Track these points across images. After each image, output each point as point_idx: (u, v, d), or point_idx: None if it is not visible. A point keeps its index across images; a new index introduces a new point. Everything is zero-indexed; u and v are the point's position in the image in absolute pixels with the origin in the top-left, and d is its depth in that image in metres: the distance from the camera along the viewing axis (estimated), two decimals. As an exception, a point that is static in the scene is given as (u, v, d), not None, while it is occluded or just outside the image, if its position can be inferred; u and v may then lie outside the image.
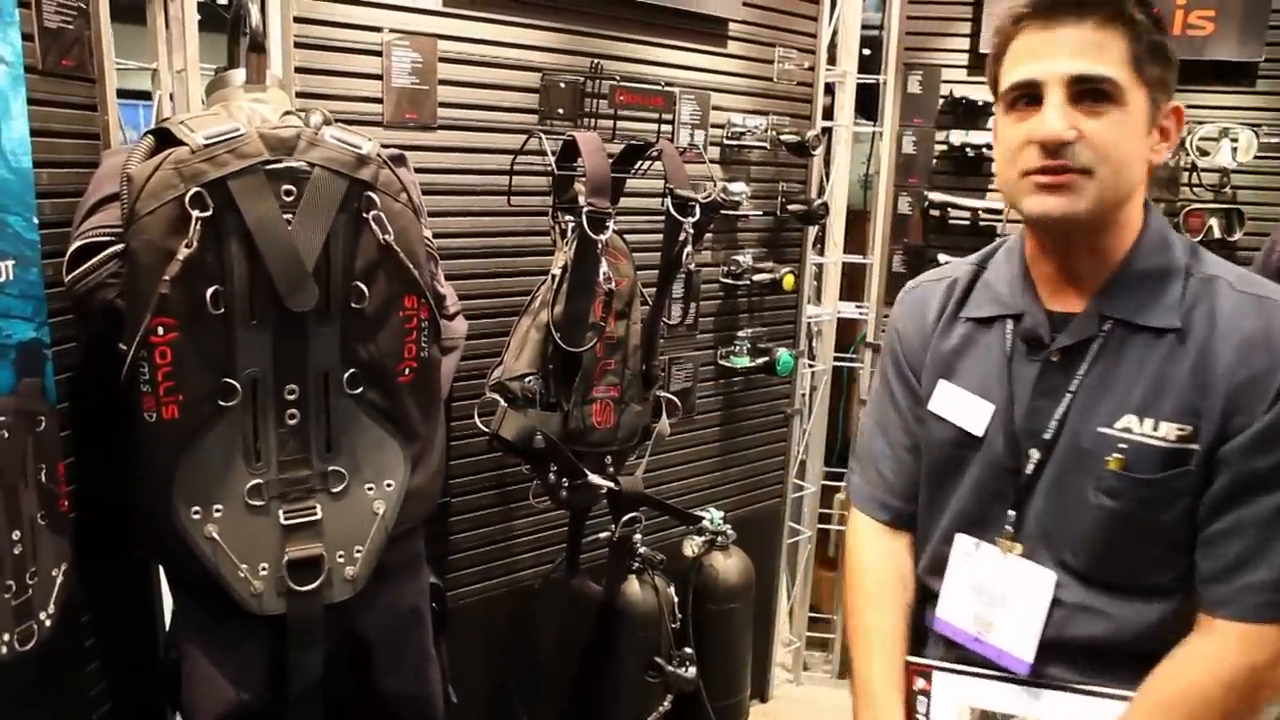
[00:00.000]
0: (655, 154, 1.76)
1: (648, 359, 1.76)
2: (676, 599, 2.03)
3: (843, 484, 2.49)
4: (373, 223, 1.15)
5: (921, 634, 1.17)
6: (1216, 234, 2.54)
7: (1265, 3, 2.49)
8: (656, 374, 1.79)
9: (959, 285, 1.16)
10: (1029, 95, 0.98)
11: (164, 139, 1.12)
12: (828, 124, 2.63)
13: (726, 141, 2.30)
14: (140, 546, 1.24)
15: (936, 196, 2.65)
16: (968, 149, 2.60)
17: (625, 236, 1.78)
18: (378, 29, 1.71)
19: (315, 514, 1.19)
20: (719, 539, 2.22)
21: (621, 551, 1.88)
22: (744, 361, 2.42)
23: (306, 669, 1.21)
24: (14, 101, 1.06)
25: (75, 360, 1.24)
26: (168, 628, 1.32)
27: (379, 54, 1.72)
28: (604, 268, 1.65)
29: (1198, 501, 0.99)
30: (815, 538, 2.89)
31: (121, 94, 1.44)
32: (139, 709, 1.39)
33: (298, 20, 1.63)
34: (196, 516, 1.13)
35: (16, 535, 1.05)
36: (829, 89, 2.63)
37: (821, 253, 2.74)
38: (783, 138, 2.38)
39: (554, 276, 1.65)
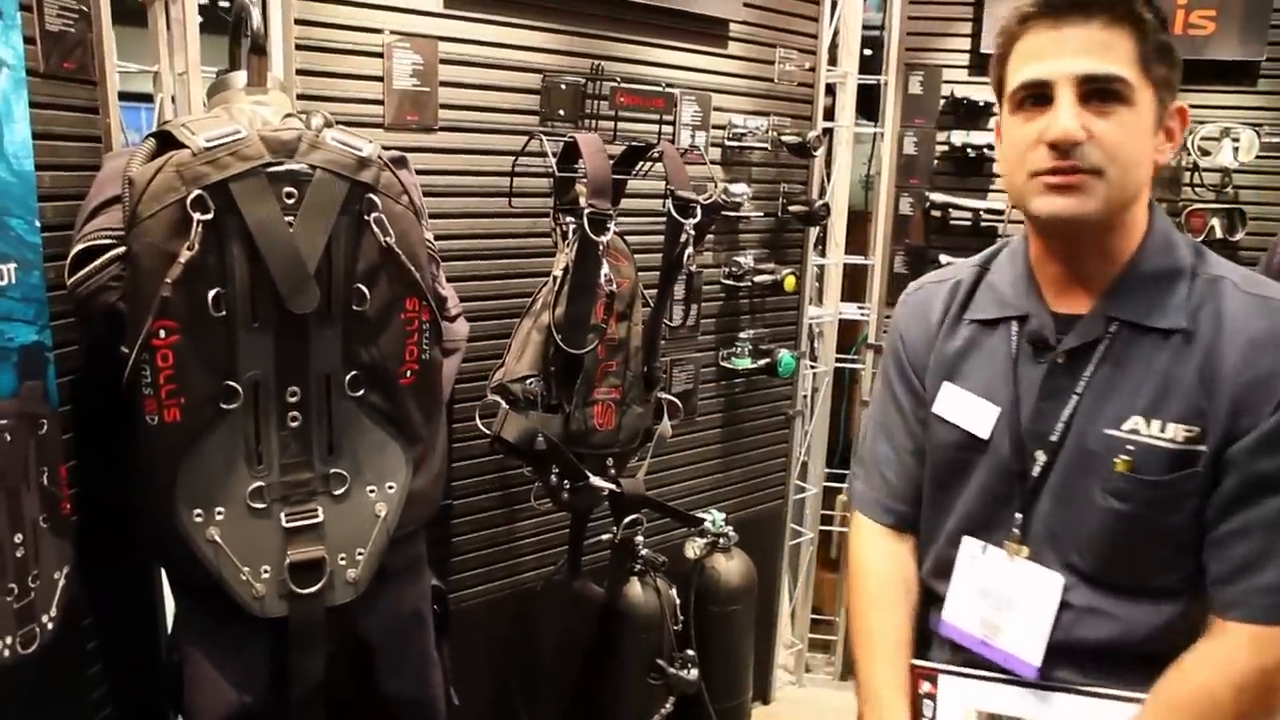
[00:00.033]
0: (656, 155, 1.76)
1: (649, 361, 1.76)
2: (678, 601, 2.03)
3: (844, 485, 2.50)
4: (374, 225, 1.15)
5: (925, 637, 1.16)
6: (1218, 234, 2.54)
7: (1266, 2, 2.49)
8: (658, 376, 1.79)
9: (962, 287, 1.15)
10: (1037, 95, 0.98)
11: (165, 142, 1.12)
12: (829, 125, 2.63)
13: (728, 142, 2.30)
14: (142, 549, 1.25)
15: (938, 197, 2.64)
16: (969, 149, 2.60)
17: (626, 238, 1.78)
18: (378, 31, 1.71)
19: (317, 517, 1.19)
20: (721, 541, 2.21)
21: (623, 553, 1.88)
22: (745, 363, 2.42)
23: (308, 672, 1.21)
24: (16, 104, 1.06)
25: (77, 363, 1.24)
26: (170, 631, 1.32)
27: (380, 56, 1.72)
28: (605, 269, 1.65)
29: (1205, 503, 0.99)
30: (817, 539, 2.89)
31: (123, 96, 1.44)
32: (141, 712, 1.39)
33: (298, 22, 1.63)
34: (198, 519, 1.13)
35: (18, 538, 1.05)
36: (830, 90, 2.63)
37: (823, 254, 2.73)
38: (784, 139, 2.38)
39: (555, 278, 1.65)
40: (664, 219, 1.69)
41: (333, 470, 1.20)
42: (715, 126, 2.26)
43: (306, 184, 1.11)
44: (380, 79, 1.73)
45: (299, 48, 1.63)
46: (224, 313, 1.09)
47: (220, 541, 1.14)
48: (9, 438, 1.04)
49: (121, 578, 1.37)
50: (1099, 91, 0.95)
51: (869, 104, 2.76)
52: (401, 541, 1.28)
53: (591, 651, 1.98)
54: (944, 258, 2.59)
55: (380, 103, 1.73)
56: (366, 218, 1.15)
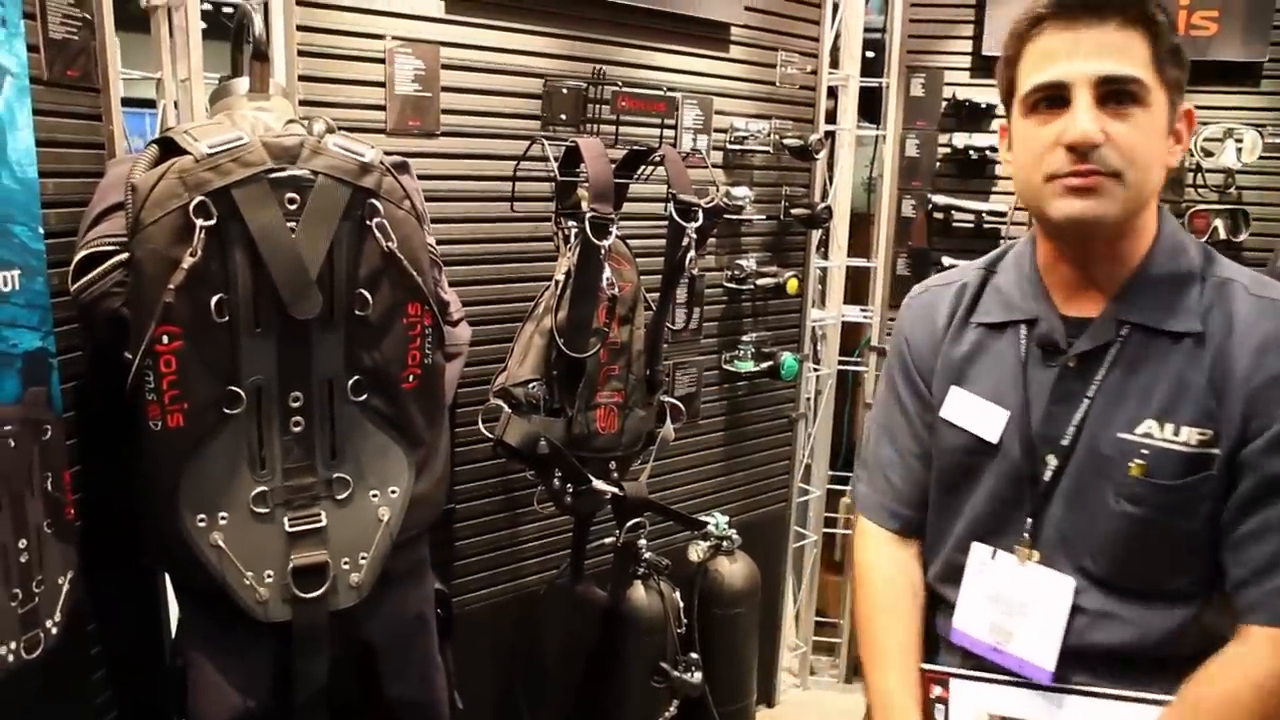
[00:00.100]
0: (658, 159, 1.76)
1: (651, 364, 1.76)
2: (682, 604, 2.03)
3: (848, 488, 2.49)
4: (376, 230, 1.16)
5: (931, 642, 1.16)
6: (1222, 235, 2.53)
7: (1269, 3, 2.49)
8: (660, 379, 1.79)
9: (968, 290, 1.14)
10: (1052, 97, 0.97)
11: (168, 148, 1.13)
12: (831, 127, 2.63)
13: (729, 146, 2.30)
14: (146, 554, 1.25)
15: (940, 199, 2.64)
16: (971, 151, 2.59)
17: (629, 242, 1.78)
18: (380, 37, 1.72)
19: (320, 521, 1.19)
20: (724, 544, 2.21)
21: (626, 557, 1.88)
22: (748, 366, 2.42)
23: (312, 676, 1.22)
24: (20, 112, 1.06)
25: (81, 369, 1.25)
26: (173, 635, 1.32)
27: (382, 61, 1.73)
28: (607, 273, 1.66)
29: (1220, 506, 0.98)
30: (821, 542, 2.89)
31: (127, 102, 1.45)
32: (145, 716, 1.39)
33: (301, 29, 1.63)
34: (202, 524, 1.13)
35: (23, 543, 1.05)
36: (832, 92, 2.63)
37: (825, 256, 2.73)
38: (786, 141, 2.38)
39: (557, 282, 1.66)
40: (666, 222, 1.69)
41: (335, 475, 1.20)
42: (717, 130, 2.26)
43: (309, 190, 1.12)
44: (382, 84, 1.73)
45: (301, 54, 1.64)
46: (227, 318, 1.10)
47: (224, 546, 1.14)
48: (13, 443, 1.04)
49: (125, 583, 1.37)
50: (1115, 93, 0.94)
51: (871, 106, 2.76)
52: (404, 545, 1.28)
53: (595, 655, 1.98)
54: (947, 260, 2.59)
55: (382, 108, 1.74)
56: (369, 223, 1.15)
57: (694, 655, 2.00)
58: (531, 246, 1.95)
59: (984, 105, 2.59)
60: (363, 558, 1.22)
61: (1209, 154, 2.51)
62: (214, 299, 1.09)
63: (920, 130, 2.68)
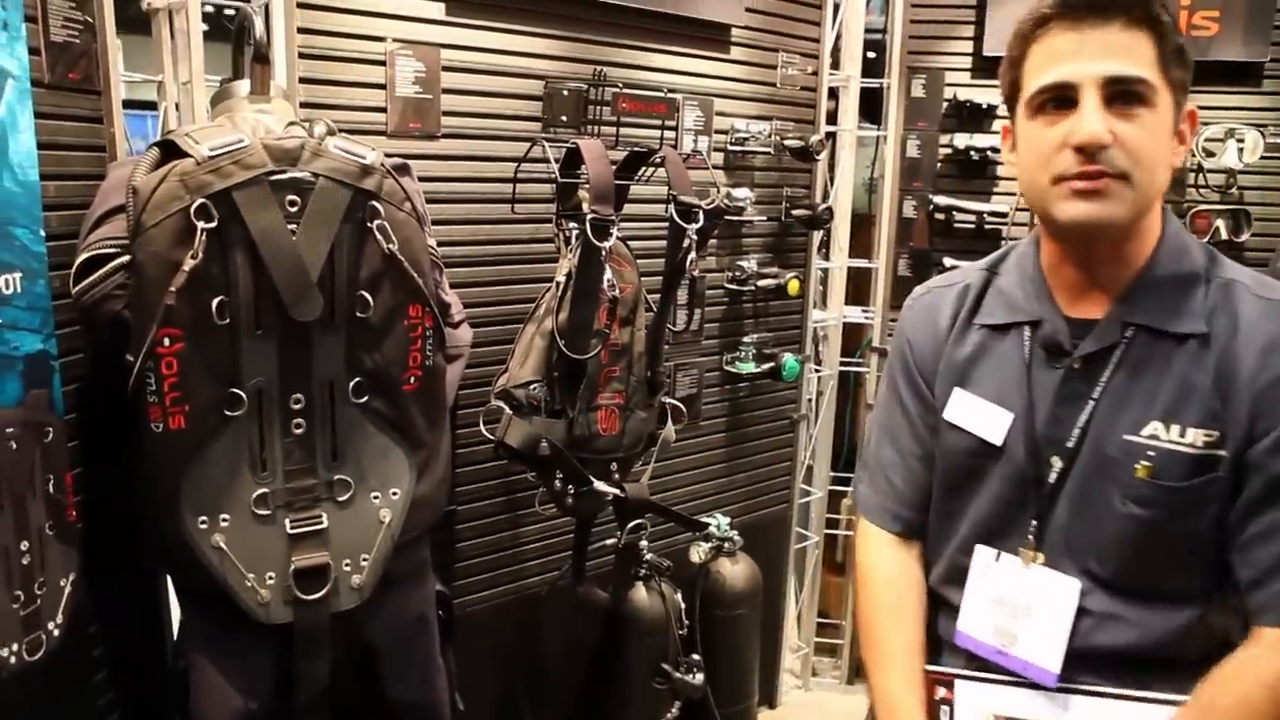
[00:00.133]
0: (658, 160, 1.76)
1: (652, 365, 1.76)
2: (683, 605, 2.03)
3: (850, 489, 2.49)
4: (377, 232, 1.16)
5: (933, 643, 1.15)
6: (1223, 235, 2.53)
7: (1270, 3, 2.49)
8: (661, 380, 1.79)
9: (971, 291, 1.14)
10: (1059, 98, 0.96)
11: (169, 151, 1.13)
12: (832, 128, 2.63)
13: (730, 147, 2.30)
14: (147, 556, 1.25)
15: (941, 200, 2.64)
16: (972, 152, 2.59)
17: (629, 243, 1.79)
18: (381, 39, 1.72)
19: (321, 523, 1.19)
20: (726, 545, 2.21)
21: (627, 558, 1.88)
22: (749, 367, 2.42)
23: (314, 677, 1.22)
24: (21, 115, 1.07)
25: (82, 371, 1.25)
26: (175, 637, 1.33)
27: (383, 64, 1.73)
28: (608, 275, 1.66)
29: (1227, 508, 0.98)
30: (823, 543, 2.89)
31: (130, 104, 1.45)
32: (147, 718, 1.39)
33: (302, 31, 1.64)
34: (203, 526, 1.14)
35: (25, 546, 1.05)
36: (833, 93, 2.63)
37: (827, 257, 2.73)
38: (786, 143, 2.38)
39: (558, 284, 1.66)
40: (667, 224, 1.70)
41: (337, 476, 1.20)
42: (718, 131, 2.26)
43: (309, 192, 1.12)
44: (383, 86, 1.73)
45: (302, 56, 1.64)
46: (228, 320, 1.10)
47: (225, 548, 1.14)
48: (15, 445, 1.04)
49: (127, 584, 1.38)
50: (1122, 94, 0.94)
51: (872, 107, 2.76)
52: (406, 547, 1.29)
53: (596, 656, 1.98)
54: (948, 260, 2.58)
55: (383, 110, 1.74)
56: (369, 225, 1.16)
57: (696, 656, 1.99)
58: (532, 248, 1.95)
59: (985, 106, 2.59)
60: (364, 559, 1.22)
61: (1210, 154, 2.51)
62: (215, 301, 1.09)
63: (921, 131, 2.68)
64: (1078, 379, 1.03)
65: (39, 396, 1.09)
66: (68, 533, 1.13)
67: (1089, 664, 1.02)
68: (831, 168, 2.68)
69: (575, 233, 1.66)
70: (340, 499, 1.21)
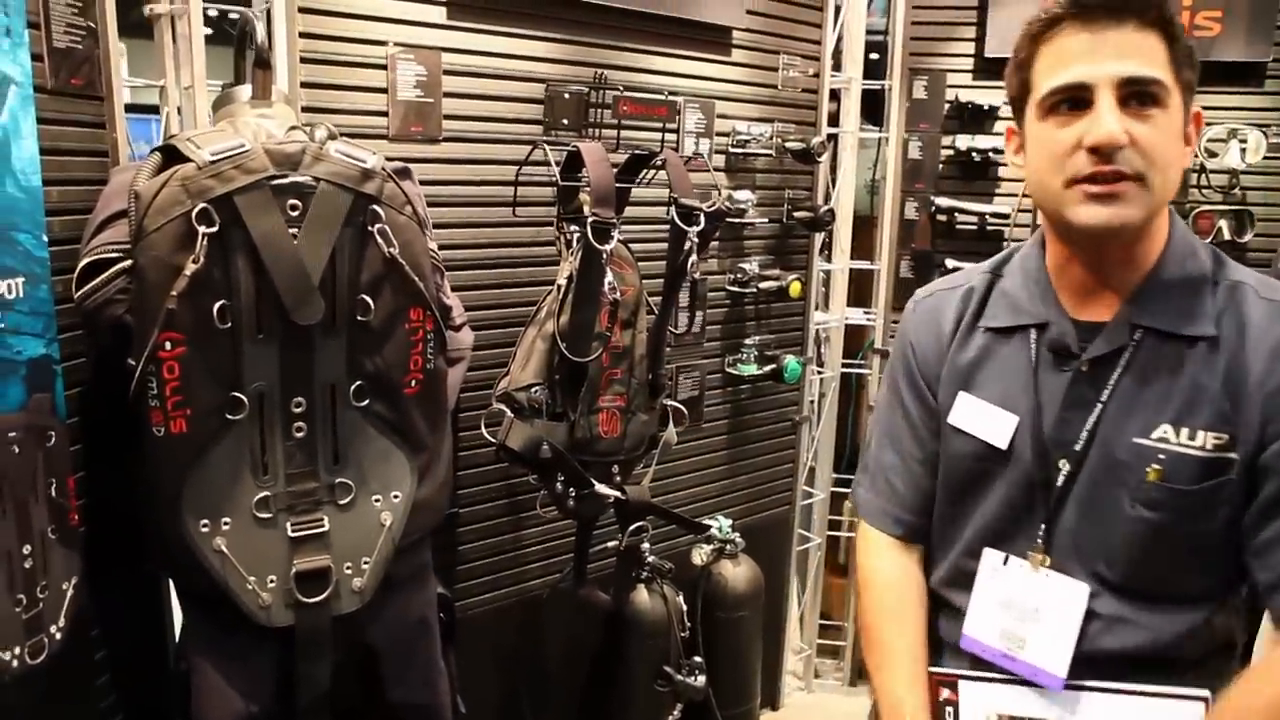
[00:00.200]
0: (659, 163, 1.76)
1: (654, 368, 1.76)
2: (685, 607, 2.03)
3: (850, 491, 2.49)
4: (378, 236, 1.16)
5: (934, 645, 1.15)
6: (1226, 235, 2.53)
7: (1272, 3, 2.48)
8: (663, 383, 1.79)
9: (975, 294, 1.13)
10: (1073, 99, 0.95)
11: (171, 156, 1.13)
12: (833, 130, 2.63)
13: (732, 149, 2.30)
14: (149, 559, 1.25)
15: (943, 202, 2.64)
16: (974, 154, 2.59)
17: (631, 246, 1.79)
18: (383, 43, 1.73)
19: (323, 526, 1.20)
20: (728, 547, 2.21)
21: (629, 561, 1.88)
22: (751, 369, 2.42)
23: (315, 680, 1.22)
24: (24, 121, 1.07)
25: (85, 375, 1.25)
26: (177, 640, 1.33)
27: (384, 68, 1.73)
28: (609, 277, 1.66)
29: (1239, 511, 0.98)
30: (825, 544, 2.88)
31: (134, 108, 1.45)
32: (150, 721, 1.40)
33: (303, 35, 1.64)
34: (205, 529, 1.14)
35: (27, 549, 1.06)
36: (834, 95, 2.63)
37: (828, 259, 2.73)
38: (788, 145, 2.38)
39: (559, 287, 1.66)
40: (668, 226, 1.70)
41: (338, 480, 1.21)
42: (719, 134, 2.27)
43: (310, 196, 1.12)
44: (384, 91, 1.74)
45: (304, 60, 1.65)
46: (229, 324, 1.10)
47: (226, 551, 1.15)
48: (17, 450, 1.05)
49: (129, 588, 1.38)
50: (1137, 95, 0.93)
51: (874, 109, 2.76)
52: (407, 550, 1.29)
53: (598, 659, 1.98)
54: (950, 262, 2.58)
55: (385, 114, 1.75)
56: (370, 229, 1.16)
57: (697, 659, 2.00)
58: (533, 251, 1.95)
59: (986, 107, 2.59)
60: (365, 562, 1.23)
61: (1213, 154, 2.50)
62: (216, 305, 1.09)
63: (923, 132, 2.68)
64: (1085, 382, 1.02)
65: (41, 401, 1.09)
66: (70, 536, 1.14)
67: (1095, 667, 1.02)
68: (833, 169, 2.68)
69: (576, 236, 1.67)
70: (341, 502, 1.21)
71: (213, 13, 1.62)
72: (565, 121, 1.97)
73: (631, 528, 1.79)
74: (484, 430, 1.63)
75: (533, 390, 1.63)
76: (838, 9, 2.55)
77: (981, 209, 2.61)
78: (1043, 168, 0.99)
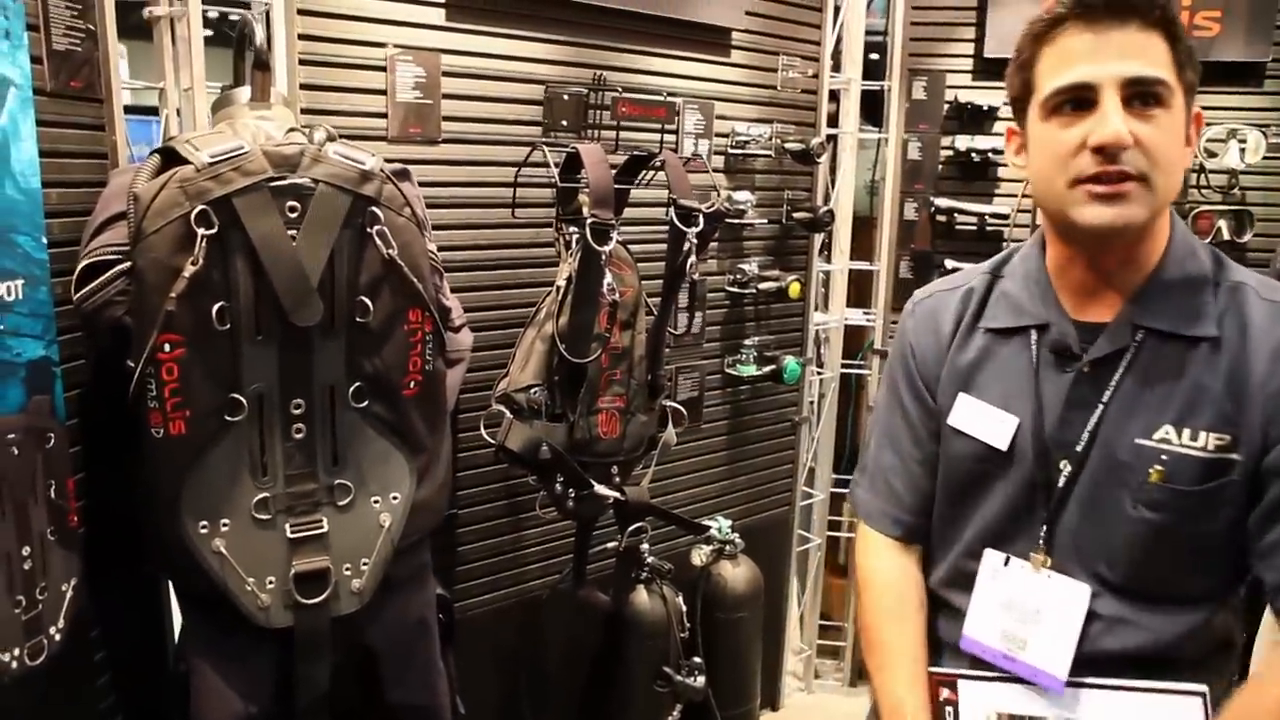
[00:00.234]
0: (658, 164, 1.76)
1: (653, 369, 1.76)
2: (685, 608, 2.03)
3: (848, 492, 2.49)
4: (376, 237, 1.16)
5: (933, 646, 1.15)
6: (1225, 235, 2.53)
7: (1272, 3, 2.48)
8: (662, 384, 1.79)
9: (975, 295, 1.13)
10: (1077, 99, 0.94)
11: (170, 158, 1.14)
12: (832, 131, 2.64)
13: (731, 150, 2.30)
14: (148, 561, 1.26)
15: (943, 202, 2.64)
16: (973, 154, 2.59)
17: (630, 247, 1.79)
18: (382, 45, 1.73)
19: (322, 527, 1.20)
20: (727, 548, 2.22)
21: (628, 561, 1.88)
22: (751, 370, 2.42)
23: (314, 681, 1.22)
24: (23, 124, 1.07)
25: (84, 377, 1.25)
26: (176, 641, 1.33)
27: (383, 69, 1.74)
28: (608, 278, 1.66)
29: (1242, 512, 0.98)
30: (825, 545, 2.88)
31: (136, 110, 1.46)
32: (149, 722, 1.40)
33: (302, 37, 1.64)
34: (204, 531, 1.14)
35: (26, 551, 1.06)
36: (833, 96, 2.63)
37: (828, 260, 2.73)
38: (787, 146, 2.38)
39: (559, 288, 1.66)
40: (667, 228, 1.70)
41: (337, 481, 1.21)
42: (719, 134, 2.27)
43: (309, 198, 1.12)
44: (384, 92, 1.74)
45: (303, 62, 1.65)
46: (228, 326, 1.11)
47: (225, 553, 1.15)
48: (17, 451, 1.05)
49: (129, 589, 1.38)
50: (1141, 95, 0.93)
51: (873, 110, 2.76)
52: (406, 551, 1.29)
53: (598, 660, 1.98)
54: (950, 263, 2.58)
55: (384, 116, 1.75)
56: (369, 230, 1.16)
57: (697, 659, 2.00)
58: (533, 252, 1.96)
59: (986, 108, 2.59)
60: (364, 563, 1.23)
61: (1212, 154, 2.50)
62: (215, 307, 1.09)
63: (922, 133, 2.68)
64: (1087, 383, 1.02)
65: (41, 402, 1.09)
66: (69, 538, 1.14)
67: (1095, 668, 1.02)
68: (833, 170, 2.68)
69: (575, 237, 1.67)
70: (340, 503, 1.21)
71: (213, 14, 1.62)
72: (564, 123, 1.97)
73: (631, 528, 1.79)
74: (483, 431, 1.63)
75: (532, 391, 1.63)
76: (837, 9, 2.55)
77: (981, 209, 2.61)
78: (1046, 168, 0.98)
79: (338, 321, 1.17)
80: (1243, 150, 2.47)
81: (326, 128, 1.21)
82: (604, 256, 1.59)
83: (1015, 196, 2.57)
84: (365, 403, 1.21)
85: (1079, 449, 1.02)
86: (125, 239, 1.10)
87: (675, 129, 2.16)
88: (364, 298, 1.17)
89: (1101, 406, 1.01)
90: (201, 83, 1.53)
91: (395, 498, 1.25)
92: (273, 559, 1.17)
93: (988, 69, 2.59)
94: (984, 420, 1.07)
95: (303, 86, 1.65)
